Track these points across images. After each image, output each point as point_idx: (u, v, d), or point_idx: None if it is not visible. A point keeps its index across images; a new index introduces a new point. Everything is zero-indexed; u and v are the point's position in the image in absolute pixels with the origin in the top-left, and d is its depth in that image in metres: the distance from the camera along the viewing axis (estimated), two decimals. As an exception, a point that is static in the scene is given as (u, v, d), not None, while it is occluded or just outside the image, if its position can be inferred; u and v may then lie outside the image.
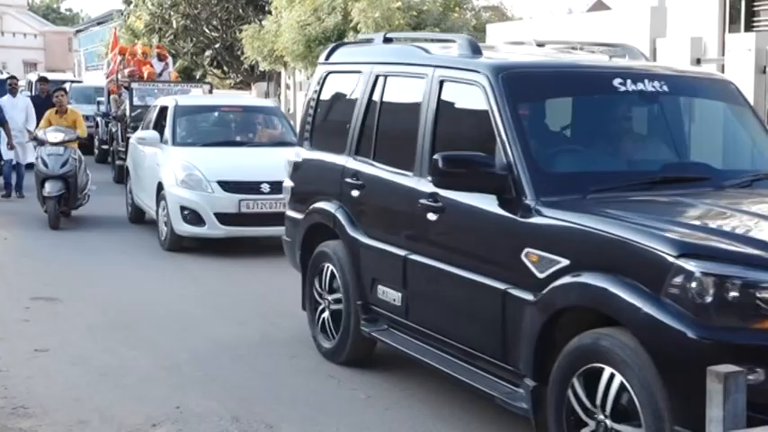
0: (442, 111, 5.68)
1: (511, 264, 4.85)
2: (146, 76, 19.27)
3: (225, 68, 30.69)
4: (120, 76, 20.06)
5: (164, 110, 12.58)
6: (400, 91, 6.29)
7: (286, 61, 19.74)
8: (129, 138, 16.23)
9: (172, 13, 27.75)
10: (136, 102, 17.45)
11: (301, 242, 7.03)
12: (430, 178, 5.41)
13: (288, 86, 26.49)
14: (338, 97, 6.99)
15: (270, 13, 21.39)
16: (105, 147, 21.19)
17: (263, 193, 10.57)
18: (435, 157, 5.08)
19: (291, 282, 8.59)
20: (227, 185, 10.67)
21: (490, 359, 5.09)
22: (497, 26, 15.99)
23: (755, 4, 14.67)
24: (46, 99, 16.25)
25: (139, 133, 12.48)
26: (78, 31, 63.00)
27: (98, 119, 21.76)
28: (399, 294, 5.88)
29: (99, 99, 22.40)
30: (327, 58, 7.13)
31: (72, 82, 26.90)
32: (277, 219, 9.41)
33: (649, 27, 12.10)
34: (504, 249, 4.94)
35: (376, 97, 6.37)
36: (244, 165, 11.07)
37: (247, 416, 5.60)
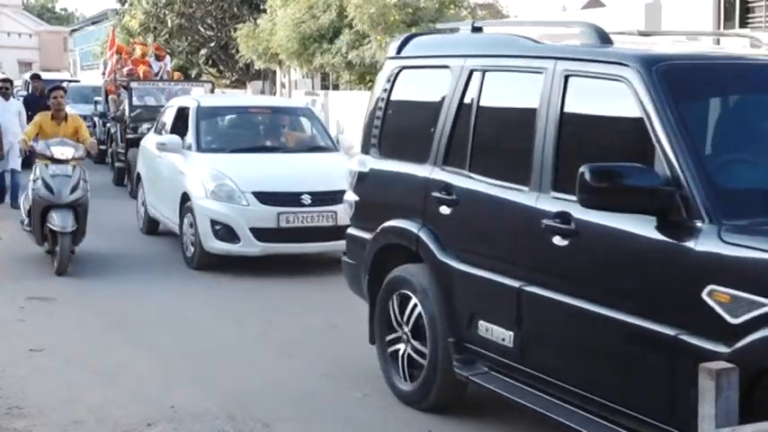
0: (569, 112, 4.69)
1: (684, 303, 3.94)
2: (142, 75, 19.00)
3: (220, 67, 30.65)
4: (117, 76, 19.84)
5: (182, 111, 11.38)
6: (506, 88, 5.34)
7: (281, 59, 19.73)
8: (129, 139, 15.94)
9: (167, 12, 27.71)
10: (135, 102, 16.96)
11: (370, 265, 6.04)
12: (554, 194, 4.61)
13: (283, 85, 26.46)
14: (416, 97, 6.06)
15: (265, 11, 21.39)
16: (103, 147, 20.65)
17: (303, 206, 9.43)
18: (582, 169, 4.09)
19: (289, 281, 8.62)
20: (264, 197, 9.50)
21: (647, 419, 4.15)
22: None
23: (750, 0, 14.69)
24: (40, 98, 15.50)
25: (159, 138, 11.09)
26: (73, 31, 62.95)
27: (95, 119, 21.40)
28: (510, 333, 4.90)
29: (96, 99, 21.99)
30: (399, 51, 6.13)
31: (69, 81, 26.80)
32: (320, 234, 9.37)
33: (644, 23, 12.12)
34: (672, 285, 4.03)
35: (471, 96, 5.37)
36: (281, 174, 9.96)
37: (243, 415, 5.59)
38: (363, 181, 6.26)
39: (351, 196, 6.38)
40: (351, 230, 6.39)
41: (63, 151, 9.68)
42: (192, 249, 9.85)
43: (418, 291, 5.55)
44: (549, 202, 4.64)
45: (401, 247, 5.76)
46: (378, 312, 5.97)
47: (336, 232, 8.63)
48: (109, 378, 6.30)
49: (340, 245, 8.42)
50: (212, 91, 17.79)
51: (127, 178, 16.23)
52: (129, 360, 6.69)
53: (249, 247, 9.45)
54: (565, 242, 4.52)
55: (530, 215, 4.73)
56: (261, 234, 9.42)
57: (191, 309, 8.27)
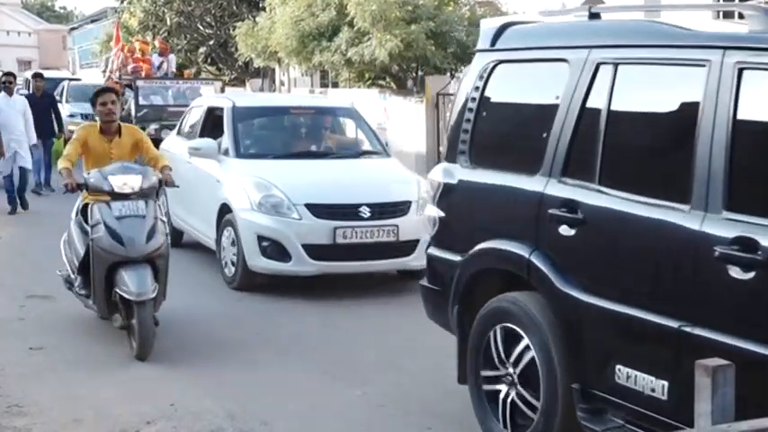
0: (745, 112, 3.87)
1: None
2: (144, 74, 18.71)
3: (219, 65, 30.66)
4: (121, 74, 19.54)
5: (213, 112, 10.34)
6: (648, 85, 4.46)
7: (280, 57, 19.72)
8: None
9: (165, 10, 27.71)
10: (141, 101, 16.08)
11: (461, 293, 5.21)
12: (728, 215, 3.83)
13: (282, 83, 26.47)
14: (520, 96, 5.22)
15: (264, 9, 21.37)
16: None
17: (362, 219, 8.37)
18: None
19: (288, 280, 8.61)
20: (318, 210, 8.39)
21: None
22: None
23: (749, -3, 14.67)
24: (41, 99, 15.22)
25: (191, 142, 9.84)
26: (72, 29, 62.91)
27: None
28: (663, 383, 4.06)
29: None
30: (493, 42, 5.23)
31: (70, 80, 26.76)
32: (379, 251, 8.47)
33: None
34: None
35: (600, 95, 4.50)
36: (334, 183, 8.87)
37: (242, 413, 5.60)
38: (450, 194, 5.37)
39: (433, 211, 5.50)
40: (433, 251, 5.54)
41: (127, 181, 6.79)
42: (234, 268, 8.75)
43: (529, 325, 4.70)
44: (722, 225, 3.83)
45: (503, 272, 4.99)
46: (471, 347, 5.12)
47: (398, 249, 8.47)
48: (109, 377, 6.30)
49: (401, 263, 8.65)
50: (222, 90, 16.84)
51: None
52: (129, 359, 6.69)
53: (302, 265, 8.35)
54: (749, 275, 3.72)
55: (693, 240, 3.93)
56: (315, 251, 8.32)
57: (192, 308, 8.27)
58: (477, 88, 5.26)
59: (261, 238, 8.44)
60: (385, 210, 8.52)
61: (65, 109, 22.90)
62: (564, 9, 5.99)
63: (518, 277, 4.85)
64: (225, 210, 8.96)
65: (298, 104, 11.10)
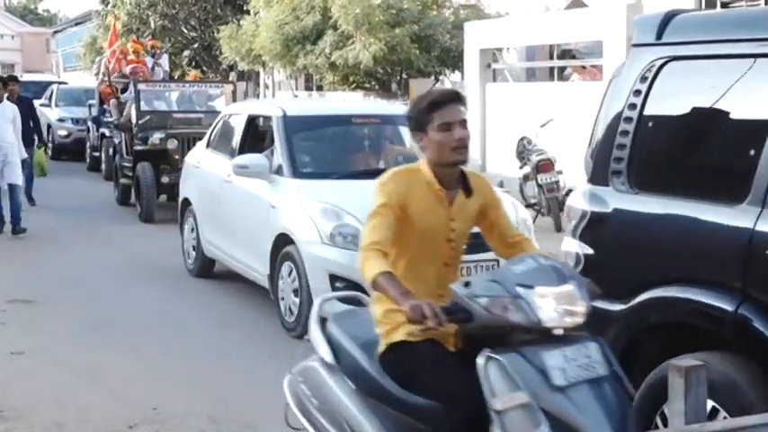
0: None
1: None
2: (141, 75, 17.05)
3: (203, 68, 30.61)
4: (115, 76, 18.08)
5: (254, 122, 9.06)
6: None
7: (264, 61, 19.72)
8: (137, 151, 13.59)
9: (150, 13, 27.64)
10: (143, 107, 14.05)
11: (620, 351, 3.99)
12: None
13: (267, 86, 26.46)
14: (707, 100, 4.13)
15: (248, 12, 21.37)
16: (96, 154, 18.80)
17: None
18: None
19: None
20: None
21: None
22: (476, 23, 16.03)
23: (730, 1, 14.77)
24: (18, 104, 12.85)
25: (238, 159, 8.19)
26: (56, 32, 62.72)
27: (89, 123, 19.56)
28: None
29: (90, 102, 19.80)
30: (659, 35, 4.29)
31: (58, 83, 26.58)
32: None
33: (626, 24, 12.16)
34: None
35: None
36: None
37: (225, 416, 5.59)
38: (601, 226, 4.36)
39: (575, 246, 4.46)
40: None
41: (570, 301, 3.22)
42: (297, 312, 7.23)
43: (731, 401, 3.61)
44: None
45: (687, 327, 4.00)
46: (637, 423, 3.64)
47: None
48: (91, 380, 6.27)
49: None
50: (234, 93, 15.15)
51: (135, 197, 13.83)
52: (111, 362, 6.67)
53: None
54: None
55: None
56: None
57: (175, 310, 8.25)
58: (638, 92, 4.28)
59: (334, 278, 6.94)
60: (481, 241, 6.41)
61: (54, 113, 22.28)
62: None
63: (698, 333, 3.90)
64: (282, 241, 7.46)
65: (360, 112, 9.25)
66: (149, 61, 18.54)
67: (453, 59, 17.02)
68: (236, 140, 8.87)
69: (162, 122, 13.66)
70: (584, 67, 15.28)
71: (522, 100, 13.73)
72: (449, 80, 18.74)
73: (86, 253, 10.90)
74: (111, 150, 16.41)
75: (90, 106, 19.69)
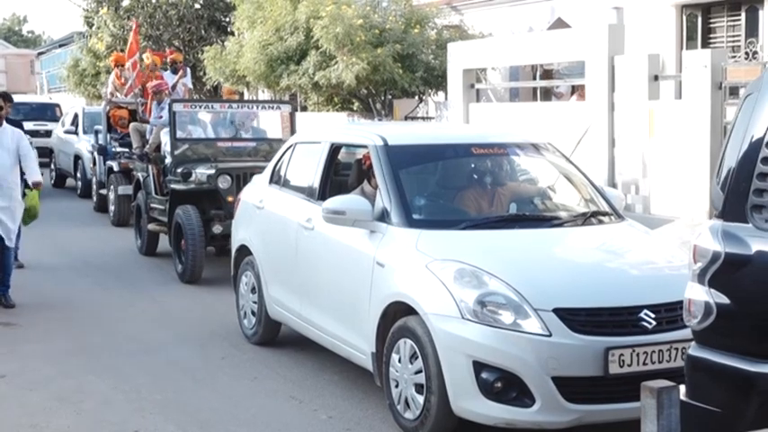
0: None
1: None
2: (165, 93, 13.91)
3: (188, 89, 30.58)
4: (124, 95, 15.69)
5: (337, 152, 7.29)
6: None
7: (248, 81, 19.71)
8: (175, 191, 10.79)
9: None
10: (179, 134, 11.25)
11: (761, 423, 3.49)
12: None
13: (251, 107, 26.43)
14: None
15: (232, 33, 21.39)
16: (103, 192, 15.63)
17: (645, 332, 5.22)
18: None
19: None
20: (577, 319, 5.19)
21: None
22: (459, 44, 16.07)
23: (711, 20, 14.91)
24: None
25: (331, 203, 6.29)
26: (40, 54, 62.62)
27: (94, 154, 16.54)
28: None
29: (97, 128, 16.76)
30: None
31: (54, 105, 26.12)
32: (676, 382, 4.19)
33: (607, 44, 12.22)
34: None
35: None
36: (588, 270, 5.73)
37: (207, 439, 5.54)
38: (739, 270, 3.75)
39: (703, 295, 3.86)
40: (702, 354, 3.87)
41: None
42: (422, 409, 5.45)
43: None
44: None
45: None
46: None
47: None
48: (71, 404, 6.22)
49: None
50: (293, 116, 12.20)
51: (173, 249, 10.76)
52: (92, 386, 6.61)
53: (554, 413, 5.11)
54: None
55: None
56: (575, 389, 5.13)
57: (154, 334, 8.20)
58: None
59: (480, 367, 5.19)
60: (676, 314, 5.20)
61: (82, 143, 18.42)
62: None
63: None
64: (396, 311, 5.75)
65: (480, 140, 7.06)
66: (169, 77, 15.72)
67: (437, 79, 17.03)
68: (317, 176, 7.08)
69: (203, 153, 11.15)
70: (573, 88, 15.34)
71: (505, 120, 13.76)
72: (432, 100, 18.77)
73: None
74: (118, 187, 14.19)
75: (96, 133, 16.62)
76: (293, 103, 13.74)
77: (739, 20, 14.46)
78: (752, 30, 14.14)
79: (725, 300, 3.73)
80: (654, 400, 2.30)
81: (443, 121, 16.51)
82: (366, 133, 6.91)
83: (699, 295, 3.82)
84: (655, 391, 2.31)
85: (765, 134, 3.68)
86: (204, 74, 22.85)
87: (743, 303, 3.68)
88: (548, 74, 16.90)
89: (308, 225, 6.81)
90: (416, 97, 18.48)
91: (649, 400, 2.32)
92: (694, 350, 3.89)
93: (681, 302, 4.83)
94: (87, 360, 7.28)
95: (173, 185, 10.88)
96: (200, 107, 12.29)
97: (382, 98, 18.56)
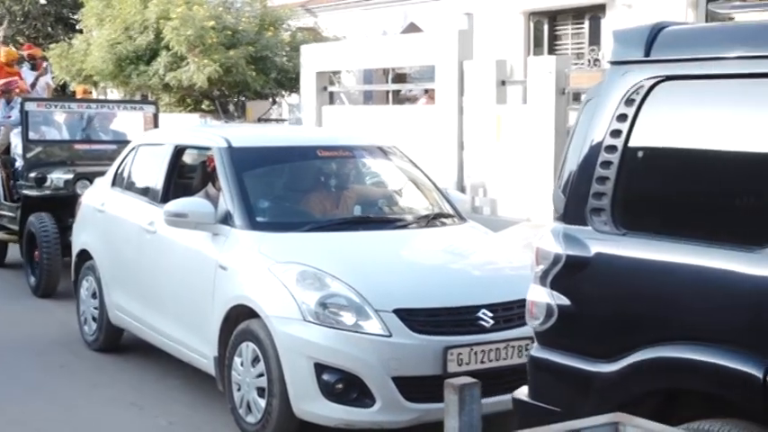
0: None
1: None
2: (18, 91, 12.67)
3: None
4: None
5: (181, 154, 7.17)
6: None
7: (96, 81, 19.20)
8: (27, 197, 10.08)
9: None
10: (31, 135, 10.46)
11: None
12: None
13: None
14: (715, 127, 3.51)
15: (81, 31, 20.79)
16: None
17: (483, 331, 5.30)
18: None
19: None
20: (417, 319, 5.22)
21: None
22: (312, 46, 16.07)
23: (557, 27, 15.38)
24: None
25: (173, 206, 6.14)
26: None
27: None
28: None
29: None
30: (648, 50, 3.68)
31: None
32: (508, 380, 5.02)
33: (457, 49, 12.43)
34: None
35: None
36: (429, 271, 5.78)
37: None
38: (580, 272, 3.73)
39: (544, 296, 3.83)
40: (544, 354, 3.86)
41: None
42: (263, 413, 5.36)
43: None
44: None
45: (689, 393, 3.43)
46: None
47: None
48: None
49: None
50: (156, 116, 11.30)
51: (25, 261, 10.01)
52: None
53: (393, 412, 5.12)
54: None
55: None
56: (414, 388, 5.12)
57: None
58: (623, 117, 3.67)
59: (321, 369, 5.14)
60: (513, 313, 5.38)
61: None
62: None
63: (709, 400, 3.34)
64: (239, 314, 5.61)
65: (327, 143, 7.10)
66: (28, 75, 14.50)
67: (291, 81, 16.99)
68: (160, 179, 6.92)
69: (58, 157, 10.47)
70: (426, 91, 15.56)
71: (358, 123, 13.82)
72: (286, 102, 18.71)
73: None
74: None
75: None
76: (157, 103, 12.86)
77: (583, 28, 14.96)
78: (595, 37, 14.65)
79: (566, 301, 3.74)
80: (456, 396, 2.35)
81: (296, 124, 16.49)
82: (210, 135, 6.82)
83: (540, 297, 3.83)
84: (457, 388, 2.36)
85: (605, 138, 3.71)
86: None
87: (583, 305, 3.71)
88: (401, 77, 17.08)
89: (151, 228, 6.66)
90: (270, 99, 18.39)
91: (452, 396, 2.37)
92: (536, 351, 3.90)
93: (518, 302, 5.17)
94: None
95: (25, 191, 10.13)
96: (57, 107, 11.39)
97: (235, 100, 18.39)
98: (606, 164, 3.67)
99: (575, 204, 3.79)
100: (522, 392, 3.96)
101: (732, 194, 3.41)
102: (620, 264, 3.60)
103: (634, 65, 3.71)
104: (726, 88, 3.47)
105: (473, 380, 2.47)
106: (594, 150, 3.73)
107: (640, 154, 3.63)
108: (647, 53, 3.66)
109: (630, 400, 3.41)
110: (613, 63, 3.84)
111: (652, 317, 3.45)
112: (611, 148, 3.67)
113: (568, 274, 3.73)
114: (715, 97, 3.51)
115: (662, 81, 3.60)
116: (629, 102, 3.66)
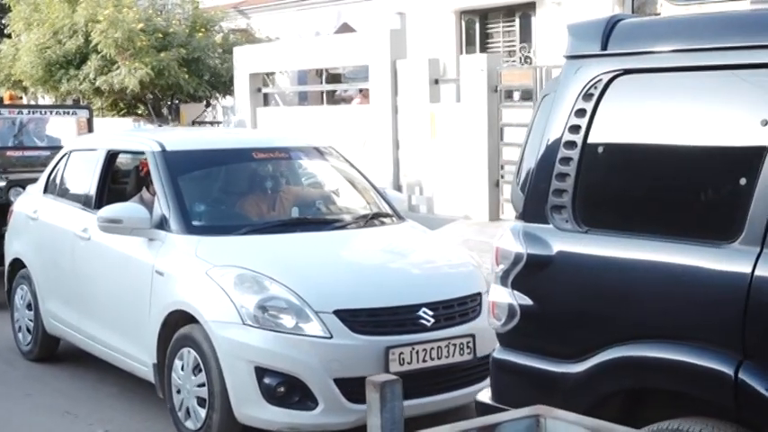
0: None
1: None
2: None
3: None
4: None
5: (114, 160, 7.11)
6: None
7: (26, 86, 18.89)
8: None
9: None
10: None
11: None
12: None
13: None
14: (676, 120, 3.41)
15: (9, 36, 20.43)
16: None
17: (424, 329, 5.28)
18: None
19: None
20: (357, 320, 5.21)
21: None
22: (245, 48, 16.00)
23: (489, 26, 15.50)
24: None
25: (106, 212, 6.03)
26: None
27: None
28: None
29: None
30: (605, 44, 3.60)
31: None
32: (451, 378, 5.34)
33: (390, 49, 12.48)
34: None
35: None
36: (369, 272, 5.75)
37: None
38: (541, 272, 3.64)
39: (506, 297, 3.72)
40: (507, 356, 3.78)
41: None
42: (202, 423, 5.30)
43: None
44: None
45: (658, 392, 3.34)
46: None
47: (476, 372, 5.34)
48: None
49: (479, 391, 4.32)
50: (90, 121, 11.33)
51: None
52: None
53: (335, 414, 5.09)
54: None
55: None
56: (356, 389, 4.80)
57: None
58: (581, 112, 3.59)
59: (262, 373, 5.08)
60: (453, 311, 5.46)
61: None
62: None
63: (677, 399, 3.27)
64: (178, 320, 5.54)
65: (262, 145, 6.91)
66: None
67: (224, 84, 16.90)
68: (93, 185, 6.83)
69: None
70: (360, 91, 15.57)
71: (293, 124, 13.79)
72: (220, 105, 18.59)
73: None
74: None
75: None
76: (90, 107, 12.77)
77: (514, 26, 15.10)
78: (526, 35, 14.80)
79: (528, 301, 3.64)
80: (377, 394, 2.35)
81: (231, 126, 16.39)
82: (143, 139, 6.73)
83: (502, 297, 3.72)
84: (377, 385, 2.37)
85: (563, 134, 3.62)
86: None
87: (546, 304, 3.62)
88: (335, 78, 17.09)
89: (85, 235, 6.55)
90: (204, 102, 18.26)
91: (373, 394, 2.37)
92: (499, 353, 3.81)
93: (458, 299, 5.41)
94: None
95: None
96: None
97: (169, 103, 18.23)
98: (566, 160, 3.59)
99: (534, 202, 3.70)
100: (485, 395, 3.87)
101: (697, 189, 3.32)
102: (583, 262, 3.52)
103: (591, 59, 3.63)
104: (685, 81, 3.39)
105: (394, 377, 2.47)
106: (553, 147, 3.66)
107: (600, 149, 3.55)
108: (605, 47, 3.59)
109: (597, 401, 3.35)
110: (569, 57, 3.75)
111: (617, 315, 3.38)
112: (571, 144, 3.59)
113: (530, 273, 3.64)
114: (674, 90, 3.43)
115: (620, 75, 3.53)
116: (587, 96, 3.58)
